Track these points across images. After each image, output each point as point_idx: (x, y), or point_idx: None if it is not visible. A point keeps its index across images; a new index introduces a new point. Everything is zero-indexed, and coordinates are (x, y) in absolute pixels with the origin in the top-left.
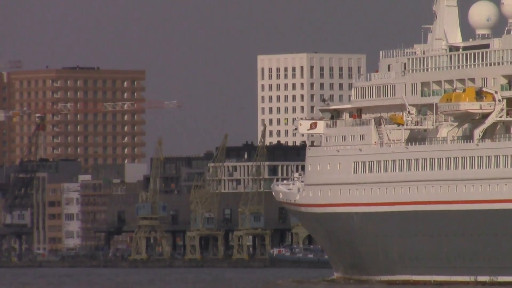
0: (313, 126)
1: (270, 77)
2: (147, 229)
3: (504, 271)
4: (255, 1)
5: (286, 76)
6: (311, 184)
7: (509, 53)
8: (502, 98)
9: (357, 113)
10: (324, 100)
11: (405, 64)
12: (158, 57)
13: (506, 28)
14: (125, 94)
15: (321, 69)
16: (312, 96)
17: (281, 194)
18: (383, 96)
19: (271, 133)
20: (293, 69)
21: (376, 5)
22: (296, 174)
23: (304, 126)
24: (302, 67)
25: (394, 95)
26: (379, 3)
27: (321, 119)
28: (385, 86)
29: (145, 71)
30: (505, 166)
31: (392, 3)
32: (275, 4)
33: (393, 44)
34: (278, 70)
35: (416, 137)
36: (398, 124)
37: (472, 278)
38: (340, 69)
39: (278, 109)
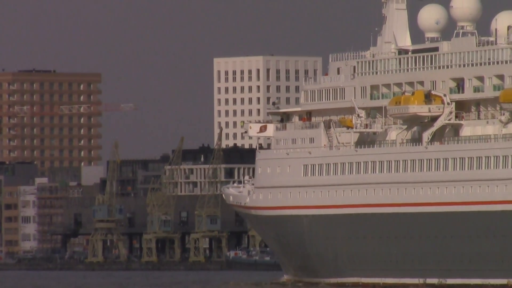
0: (262, 129)
1: (227, 79)
2: (104, 232)
3: (453, 273)
4: (211, 4)
5: (242, 79)
6: (261, 187)
7: (458, 56)
8: (451, 101)
9: (307, 116)
10: (273, 103)
11: (354, 67)
12: (115, 59)
13: (455, 31)
14: (82, 97)
15: (277, 71)
16: (268, 98)
17: (231, 197)
18: (332, 99)
19: (227, 135)
20: (249, 71)
21: (332, 8)
22: (246, 177)
23: (254, 129)
24: (258, 70)
25: (344, 98)
26: (336, 6)
27: (271, 122)
28: (334, 89)
29: (101, 74)
30: (453, 169)
31: (348, 5)
32: (231, 7)
33: (348, 46)
34: (234, 73)
35: (365, 140)
36: (348, 127)
37: (421, 281)
38: (297, 71)
39: (235, 112)
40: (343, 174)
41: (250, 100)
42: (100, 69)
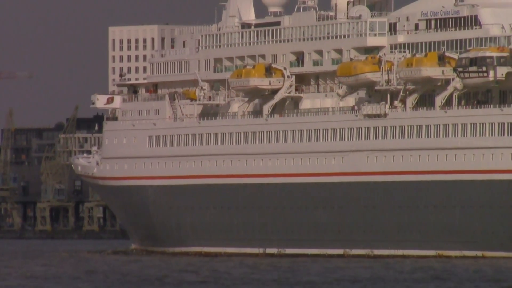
0: (109, 100)
1: (121, 48)
2: None
3: (292, 243)
4: None
5: (137, 47)
6: (108, 157)
7: (298, 30)
8: (291, 75)
9: (153, 88)
10: (121, 75)
11: (199, 40)
12: (10, 27)
13: (296, 6)
14: None
15: (172, 41)
16: None
17: (79, 167)
18: (177, 72)
19: None
20: (144, 40)
21: None
22: (94, 148)
23: (101, 101)
24: (153, 39)
25: (188, 71)
26: None
27: (118, 93)
28: (179, 62)
29: None
30: (293, 141)
31: None
32: None
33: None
34: (129, 41)
35: (208, 112)
36: (191, 99)
37: (261, 250)
38: None
39: None
40: (186, 145)
41: (144, 69)
42: None
